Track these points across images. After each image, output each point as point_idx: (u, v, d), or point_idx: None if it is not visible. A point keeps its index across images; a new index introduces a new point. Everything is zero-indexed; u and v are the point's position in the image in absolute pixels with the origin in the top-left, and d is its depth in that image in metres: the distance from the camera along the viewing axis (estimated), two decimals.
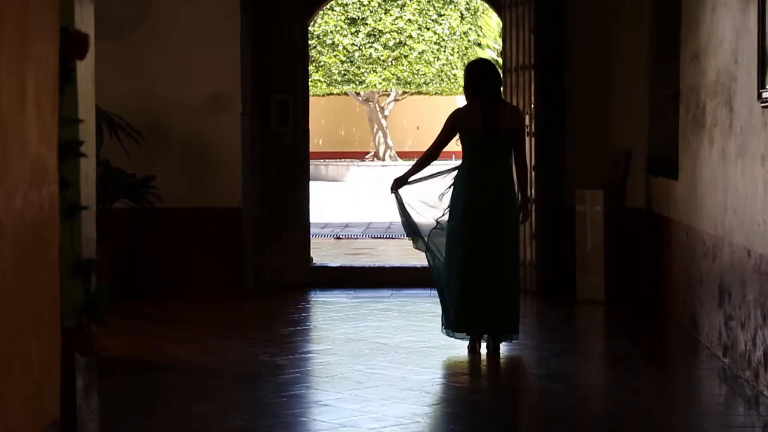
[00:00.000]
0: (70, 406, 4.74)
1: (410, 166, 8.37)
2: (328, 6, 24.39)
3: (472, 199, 7.97)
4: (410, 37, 27.89)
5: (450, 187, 8.21)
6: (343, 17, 27.91)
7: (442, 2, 28.13)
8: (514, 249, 8.07)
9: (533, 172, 10.53)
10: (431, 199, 8.42)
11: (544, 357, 8.08)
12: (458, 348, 8.16)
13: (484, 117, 7.93)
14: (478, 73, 8.07)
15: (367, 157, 30.74)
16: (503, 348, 8.16)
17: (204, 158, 10.77)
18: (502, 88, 8.39)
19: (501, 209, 7.98)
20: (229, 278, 10.63)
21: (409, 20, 27.92)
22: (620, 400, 6.91)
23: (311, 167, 11.65)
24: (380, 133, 30.62)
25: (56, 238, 4.43)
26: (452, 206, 8.11)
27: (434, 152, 8.20)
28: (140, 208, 10.16)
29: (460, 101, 27.74)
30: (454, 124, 8.07)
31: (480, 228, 7.96)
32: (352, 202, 21.77)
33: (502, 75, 10.99)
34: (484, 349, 8.05)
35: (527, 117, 10.57)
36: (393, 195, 8.36)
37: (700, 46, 8.58)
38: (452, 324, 8.10)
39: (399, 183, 8.33)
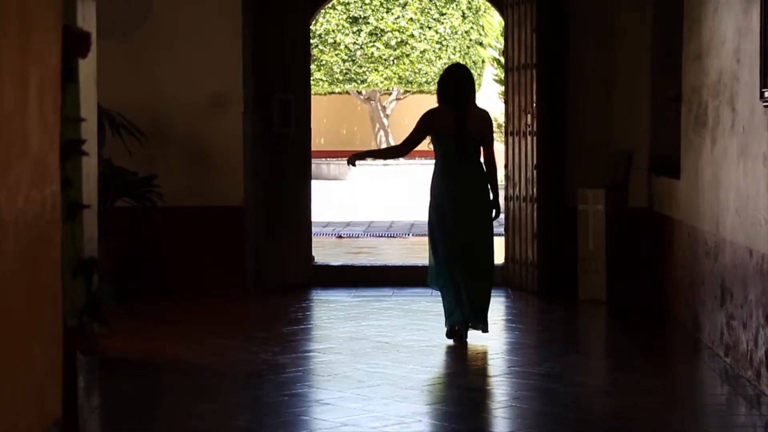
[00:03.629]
0: (72, 405, 4.74)
1: (377, 148, 8.57)
2: (329, 5, 24.36)
3: (446, 196, 8.35)
4: (412, 36, 27.89)
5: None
6: (344, 16, 27.90)
7: (444, 1, 28.13)
8: (487, 242, 8.41)
9: (534, 171, 10.56)
10: None
11: (546, 356, 8.08)
12: (460, 347, 8.17)
13: (454, 119, 8.32)
14: (450, 78, 8.48)
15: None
16: (506, 346, 8.19)
17: (206, 157, 10.76)
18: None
19: (474, 203, 8.37)
20: (230, 277, 10.62)
21: (411, 19, 27.91)
22: (622, 399, 6.90)
23: (313, 166, 11.64)
24: (382, 132, 30.62)
25: (58, 237, 4.43)
26: (430, 206, 8.50)
27: (404, 149, 8.68)
28: (142, 207, 10.15)
29: None
30: (427, 124, 8.47)
31: (457, 223, 8.31)
32: (354, 201, 21.77)
33: (503, 74, 11.06)
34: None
35: (529, 116, 10.59)
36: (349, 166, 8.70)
37: (702, 45, 8.57)
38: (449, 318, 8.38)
39: (356, 157, 8.71)
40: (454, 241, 8.31)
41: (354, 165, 8.76)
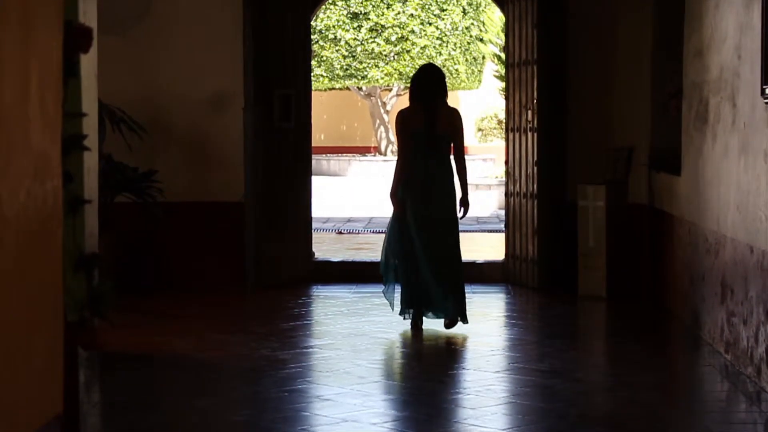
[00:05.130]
0: (73, 400, 4.74)
1: (393, 181, 8.76)
2: (330, 1, 24.31)
3: (413, 190, 8.59)
4: (412, 32, 27.86)
5: None
6: (345, 12, 27.87)
7: None
8: (453, 236, 8.65)
9: (535, 167, 10.56)
10: None
11: (546, 353, 8.09)
12: (458, 345, 8.19)
13: (424, 117, 8.61)
14: (421, 78, 8.79)
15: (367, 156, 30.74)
16: (506, 343, 8.18)
17: (206, 153, 10.76)
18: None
19: (444, 203, 8.63)
20: (230, 273, 10.61)
21: (412, 15, 27.89)
22: (622, 396, 6.91)
23: (313, 162, 11.64)
24: (382, 128, 30.61)
25: (59, 232, 4.43)
26: (396, 206, 8.70)
27: (406, 159, 8.70)
28: (143, 202, 10.14)
29: (462, 96, 27.73)
30: (403, 124, 8.72)
31: (423, 216, 8.56)
32: (354, 197, 21.77)
33: (504, 70, 11.07)
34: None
35: (530, 112, 10.60)
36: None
37: (703, 42, 8.57)
38: (405, 305, 8.72)
39: (400, 202, 8.69)
40: (422, 238, 8.53)
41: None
